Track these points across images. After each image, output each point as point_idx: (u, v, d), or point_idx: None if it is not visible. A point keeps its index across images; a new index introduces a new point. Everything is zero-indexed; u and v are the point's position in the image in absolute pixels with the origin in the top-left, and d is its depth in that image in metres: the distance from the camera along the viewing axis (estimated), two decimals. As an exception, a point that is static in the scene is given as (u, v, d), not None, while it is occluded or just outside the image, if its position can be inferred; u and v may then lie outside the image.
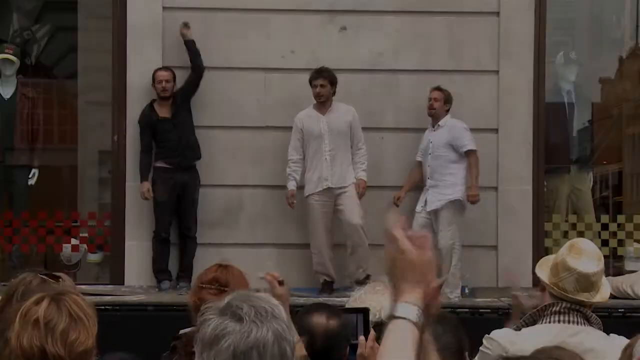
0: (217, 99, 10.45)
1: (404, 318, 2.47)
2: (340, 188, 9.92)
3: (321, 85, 9.95)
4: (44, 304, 3.01)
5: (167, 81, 10.06)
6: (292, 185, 9.99)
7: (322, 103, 10.02)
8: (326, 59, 10.39)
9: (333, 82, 9.99)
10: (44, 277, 3.50)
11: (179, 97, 10.16)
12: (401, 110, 10.49)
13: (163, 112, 10.11)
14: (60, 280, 3.28)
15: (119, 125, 10.49)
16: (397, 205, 9.99)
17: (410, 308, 2.48)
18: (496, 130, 10.46)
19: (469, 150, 9.91)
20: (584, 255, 4.35)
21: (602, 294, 4.38)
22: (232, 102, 10.46)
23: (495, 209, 10.41)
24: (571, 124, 11.39)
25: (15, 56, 11.31)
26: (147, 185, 10.02)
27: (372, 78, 10.50)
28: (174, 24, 10.39)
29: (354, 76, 10.45)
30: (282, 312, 2.54)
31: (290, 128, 10.23)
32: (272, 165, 10.39)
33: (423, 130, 10.31)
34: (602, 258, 4.40)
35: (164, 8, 10.45)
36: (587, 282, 4.29)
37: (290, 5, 10.50)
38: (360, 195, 9.95)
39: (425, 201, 9.91)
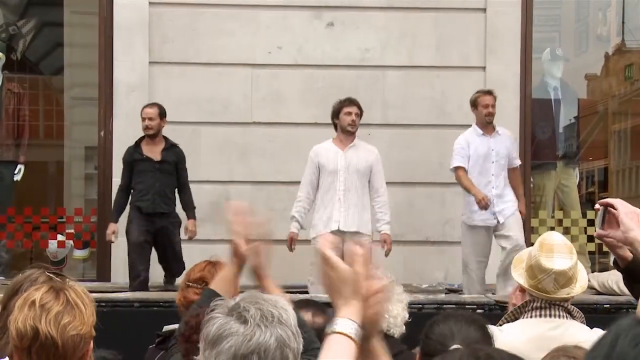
0: (203, 94, 10.44)
1: (341, 333, 2.48)
2: (353, 234, 9.03)
3: (355, 114, 9.30)
4: (43, 289, 3.06)
5: (150, 119, 9.50)
6: (294, 227, 9.28)
7: (348, 136, 9.33)
8: (313, 55, 10.40)
9: (362, 114, 9.42)
10: (50, 274, 3.52)
11: (172, 156, 9.60)
12: (388, 106, 10.50)
13: (149, 151, 9.56)
14: (67, 280, 3.29)
15: (106, 121, 10.47)
16: (486, 209, 9.23)
17: (346, 323, 2.49)
18: (483, 127, 10.47)
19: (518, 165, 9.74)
20: (555, 251, 4.34)
21: (582, 283, 4.39)
22: (219, 98, 10.45)
23: (481, 205, 10.41)
24: (557, 120, 11.41)
25: (1, 52, 11.28)
26: (114, 227, 9.51)
27: (359, 74, 10.50)
28: (161, 19, 10.38)
29: (341, 72, 10.45)
30: (291, 318, 2.52)
31: (277, 124, 10.23)
32: (259, 161, 10.39)
33: (412, 126, 10.34)
34: (574, 249, 4.39)
35: (151, 3, 10.43)
36: (565, 278, 4.30)
37: (277, 1, 10.50)
38: (386, 253, 9.18)
39: (495, 213, 9.33)
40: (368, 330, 2.54)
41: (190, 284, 4.69)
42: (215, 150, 10.43)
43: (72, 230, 11.21)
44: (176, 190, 9.63)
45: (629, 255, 3.49)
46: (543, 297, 4.32)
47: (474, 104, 9.49)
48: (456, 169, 9.41)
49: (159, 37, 10.42)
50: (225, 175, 10.43)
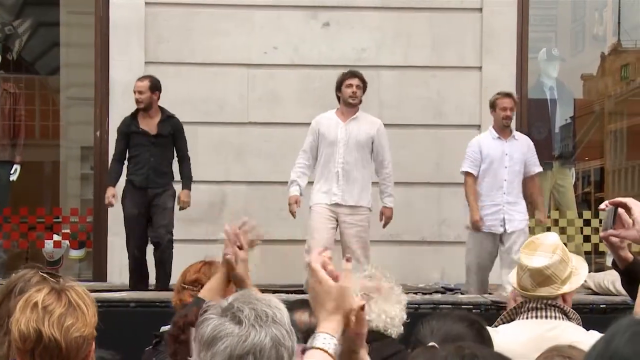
0: (199, 95, 10.44)
1: (319, 349, 2.55)
2: (351, 208, 9.15)
3: (357, 86, 9.23)
4: (45, 290, 3.07)
5: (140, 92, 9.37)
6: (295, 191, 9.20)
7: (350, 108, 9.27)
8: (309, 55, 10.41)
9: (365, 87, 9.36)
10: (44, 274, 3.52)
11: (168, 127, 9.49)
12: (384, 106, 10.50)
13: (145, 124, 9.49)
14: (61, 280, 3.30)
15: (102, 121, 10.47)
16: (478, 231, 9.17)
17: (326, 338, 2.56)
18: (479, 127, 10.47)
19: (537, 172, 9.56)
20: (538, 250, 4.34)
21: (572, 284, 4.37)
22: (215, 98, 10.45)
23: (477, 205, 10.42)
24: (553, 120, 11.42)
25: (-3, 51, 11.29)
26: (112, 190, 9.41)
27: (355, 74, 10.49)
28: (157, 19, 10.38)
29: (337, 72, 10.39)
30: (285, 317, 2.52)
31: (273, 124, 10.22)
32: (255, 161, 10.38)
33: (407, 126, 10.35)
34: (561, 250, 4.34)
35: (147, 3, 10.43)
36: (542, 277, 4.27)
37: (273, 1, 10.50)
38: (384, 225, 9.38)
39: (504, 220, 9.23)
40: (354, 344, 2.62)
41: (186, 286, 4.69)
42: (211, 150, 10.43)
43: (68, 230, 11.20)
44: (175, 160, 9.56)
45: (629, 256, 3.50)
46: (524, 295, 4.34)
47: (493, 105, 9.36)
48: (465, 174, 9.34)
49: (155, 37, 10.42)
50: (222, 175, 10.43)
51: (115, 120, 10.27)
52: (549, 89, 11.36)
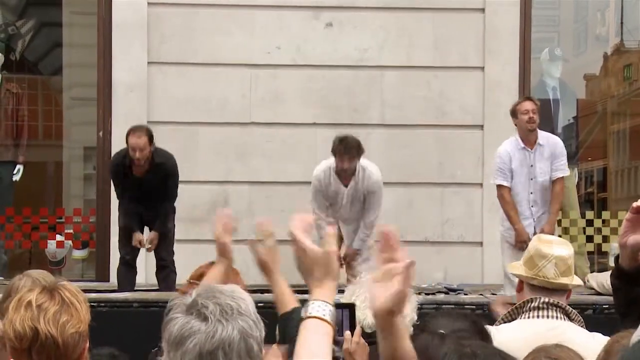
0: (202, 94, 10.43)
1: (315, 317, 2.53)
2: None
3: (349, 159, 9.03)
4: (37, 290, 3.10)
5: (141, 149, 8.87)
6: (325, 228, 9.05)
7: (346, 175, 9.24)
8: (311, 55, 10.41)
9: (360, 155, 9.10)
10: (37, 278, 3.55)
11: (159, 174, 9.09)
12: (386, 106, 10.50)
13: (139, 171, 9.10)
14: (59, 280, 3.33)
15: (104, 122, 10.47)
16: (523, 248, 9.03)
17: (320, 305, 2.55)
18: (481, 127, 10.47)
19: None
20: (554, 243, 4.46)
21: (577, 280, 4.46)
22: (217, 98, 10.45)
23: (480, 205, 10.42)
24: (556, 120, 11.40)
25: (-1, 52, 11.30)
26: (139, 235, 9.25)
27: (357, 74, 10.50)
28: (159, 19, 10.38)
29: (339, 72, 10.45)
30: (250, 306, 2.53)
31: (275, 124, 10.22)
32: (257, 161, 10.38)
33: (410, 126, 10.35)
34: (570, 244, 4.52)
35: (149, 4, 10.43)
36: (565, 266, 4.35)
37: (275, 1, 10.49)
38: (345, 264, 9.14)
39: (534, 234, 8.68)
40: (393, 309, 2.55)
41: (192, 280, 4.70)
42: (214, 150, 10.43)
43: (71, 231, 11.20)
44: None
45: None
46: (544, 284, 4.34)
47: (514, 113, 9.06)
48: (498, 187, 9.11)
49: (158, 37, 10.42)
50: (224, 176, 10.42)
51: (118, 120, 10.28)
52: (552, 89, 11.35)
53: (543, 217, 9.15)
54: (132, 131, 8.94)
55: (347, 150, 9.01)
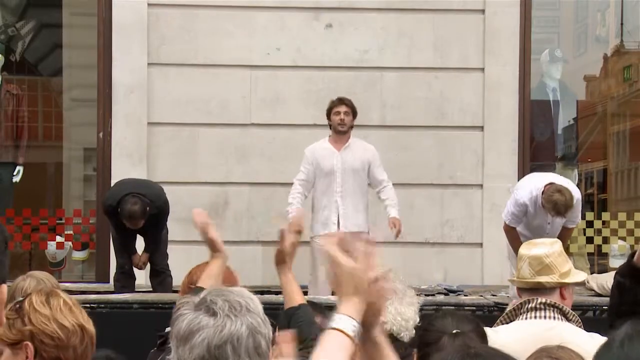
0: (202, 96, 10.43)
1: (339, 330, 2.52)
2: (352, 234, 9.24)
3: (345, 113, 9.38)
4: (56, 292, 3.17)
5: (137, 225, 8.96)
6: (292, 213, 8.86)
7: (341, 135, 9.42)
8: (311, 57, 10.41)
9: (355, 113, 9.46)
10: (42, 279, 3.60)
11: (149, 222, 9.03)
12: (386, 107, 10.50)
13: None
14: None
15: (105, 123, 10.46)
16: None
17: (345, 320, 2.53)
18: (482, 128, 10.47)
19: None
20: (537, 245, 4.54)
21: (572, 278, 4.45)
22: (217, 99, 10.45)
23: (480, 207, 10.42)
24: (556, 121, 11.42)
25: (-1, 53, 11.29)
26: (138, 255, 9.32)
27: (357, 75, 10.50)
28: (160, 20, 10.38)
29: (339, 73, 10.45)
30: (258, 306, 2.55)
31: (276, 125, 10.22)
32: (258, 162, 10.38)
33: (410, 127, 10.37)
34: (559, 245, 4.52)
35: (149, 5, 10.43)
36: (541, 265, 4.38)
37: (275, 2, 10.50)
38: (396, 235, 9.18)
39: None
40: (370, 320, 2.56)
41: (193, 287, 4.69)
42: (214, 151, 10.43)
43: (71, 232, 11.20)
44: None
45: None
46: (522, 285, 4.42)
47: (543, 192, 8.61)
48: (506, 225, 8.95)
49: (158, 39, 10.42)
50: (224, 177, 10.42)
51: (118, 121, 10.27)
52: (552, 91, 11.36)
53: None
54: (127, 217, 8.84)
55: (345, 100, 9.43)
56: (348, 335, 2.51)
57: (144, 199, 8.87)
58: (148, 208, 8.88)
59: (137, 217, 8.85)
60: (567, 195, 8.43)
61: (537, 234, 8.77)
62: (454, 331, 3.26)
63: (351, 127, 9.48)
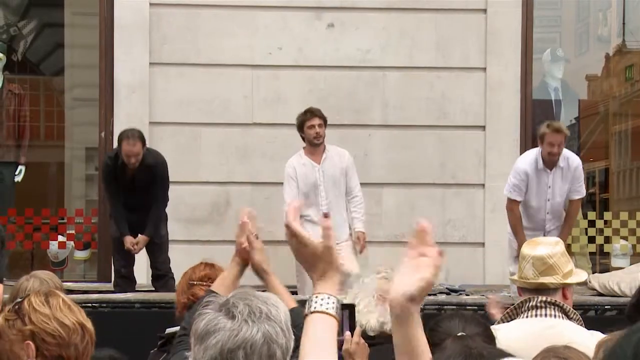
0: (204, 95, 10.44)
1: (320, 312, 2.49)
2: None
3: (319, 125, 9.34)
4: (55, 292, 3.19)
5: (135, 155, 8.97)
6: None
7: (317, 147, 9.42)
8: (313, 56, 10.41)
9: (326, 122, 9.43)
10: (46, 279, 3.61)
11: (147, 176, 9.09)
12: (388, 107, 10.50)
13: (129, 173, 9.15)
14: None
15: (106, 122, 10.47)
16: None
17: (324, 299, 2.51)
18: (483, 127, 10.47)
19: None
20: (540, 244, 4.53)
21: (574, 278, 4.45)
22: (219, 98, 10.45)
23: (482, 206, 10.42)
24: (558, 120, 11.41)
25: (1, 52, 11.29)
26: (131, 239, 9.19)
27: (359, 75, 10.50)
28: (161, 20, 10.38)
29: (341, 73, 10.45)
30: (281, 314, 2.52)
31: (277, 125, 10.22)
32: (259, 162, 10.39)
33: (412, 127, 10.36)
34: (562, 245, 4.52)
35: (151, 4, 10.43)
36: (545, 265, 4.38)
37: (277, 2, 10.50)
38: (361, 250, 9.35)
39: None
40: (415, 297, 2.50)
41: (196, 282, 4.70)
42: (216, 151, 10.43)
43: (73, 231, 11.21)
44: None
45: None
46: (525, 285, 4.41)
47: (541, 138, 8.96)
48: (510, 200, 9.07)
49: (159, 38, 10.42)
50: (225, 177, 10.43)
51: (120, 121, 10.27)
52: (554, 90, 11.36)
53: (554, 231, 9.06)
54: (125, 137, 8.99)
55: (316, 111, 9.38)
56: (329, 314, 2.49)
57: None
58: (145, 147, 9.00)
59: (136, 136, 8.95)
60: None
61: (538, 219, 8.84)
62: (459, 334, 3.26)
63: (324, 137, 9.46)
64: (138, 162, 9.02)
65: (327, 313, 2.50)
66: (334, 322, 2.50)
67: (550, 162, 8.97)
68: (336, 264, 2.56)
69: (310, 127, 9.37)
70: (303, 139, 9.51)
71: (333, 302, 2.51)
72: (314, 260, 2.57)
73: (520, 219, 9.08)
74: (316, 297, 2.53)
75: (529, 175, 9.01)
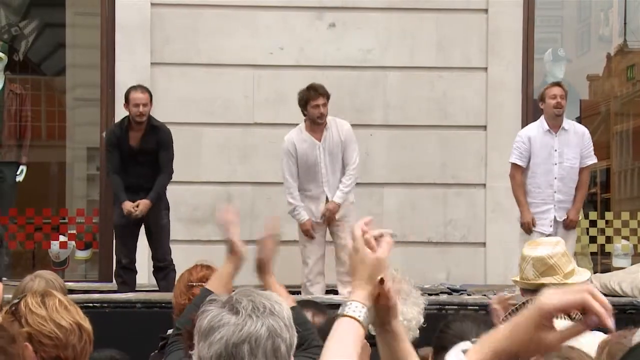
0: (205, 95, 10.44)
1: (349, 316, 2.52)
2: (338, 220, 9.22)
3: (323, 105, 9.13)
4: (52, 293, 3.19)
5: (144, 105, 9.04)
6: (304, 216, 9.23)
7: (319, 125, 9.26)
8: (314, 56, 10.41)
9: (329, 97, 9.23)
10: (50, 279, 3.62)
11: (153, 141, 9.16)
12: (389, 107, 10.50)
13: (133, 138, 9.20)
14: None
15: (108, 122, 10.46)
16: (529, 233, 8.87)
17: (357, 307, 2.53)
18: (484, 127, 10.48)
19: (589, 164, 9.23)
20: (540, 245, 4.53)
21: (575, 278, 4.44)
22: (220, 98, 10.46)
23: (483, 206, 10.43)
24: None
25: (3, 52, 11.29)
26: (130, 203, 9.07)
27: (361, 75, 10.51)
28: (163, 20, 10.39)
29: (343, 73, 10.45)
30: (284, 311, 2.54)
31: (279, 125, 10.22)
32: (260, 162, 10.39)
33: (413, 127, 10.37)
34: (562, 245, 4.51)
35: (153, 4, 10.44)
36: (545, 266, 4.37)
37: (279, 1, 10.50)
38: (328, 220, 9.28)
39: (554, 220, 8.99)
40: (383, 317, 2.57)
41: (195, 283, 4.71)
42: (217, 151, 10.43)
43: (74, 231, 11.21)
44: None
45: None
46: (526, 286, 4.40)
47: (542, 97, 9.13)
48: (512, 165, 9.14)
49: (161, 38, 10.43)
50: (227, 176, 10.43)
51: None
52: (555, 90, 11.34)
53: (566, 205, 9.06)
54: (132, 88, 9.15)
55: (320, 89, 9.15)
56: (359, 321, 2.51)
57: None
58: (151, 119, 9.10)
59: (143, 87, 9.14)
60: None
61: (547, 188, 8.80)
62: (473, 340, 3.27)
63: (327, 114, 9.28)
64: (146, 116, 9.06)
65: (357, 319, 2.52)
66: (361, 330, 2.52)
67: (555, 119, 9.00)
68: (376, 278, 2.57)
69: (315, 107, 9.14)
70: (304, 114, 9.33)
71: (365, 312, 2.53)
72: (359, 267, 2.59)
73: (522, 186, 9.08)
74: (350, 302, 2.55)
75: (532, 138, 9.04)
